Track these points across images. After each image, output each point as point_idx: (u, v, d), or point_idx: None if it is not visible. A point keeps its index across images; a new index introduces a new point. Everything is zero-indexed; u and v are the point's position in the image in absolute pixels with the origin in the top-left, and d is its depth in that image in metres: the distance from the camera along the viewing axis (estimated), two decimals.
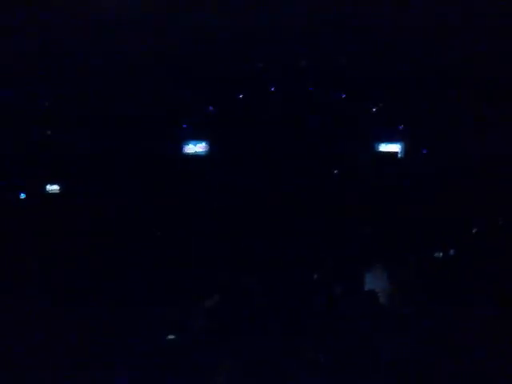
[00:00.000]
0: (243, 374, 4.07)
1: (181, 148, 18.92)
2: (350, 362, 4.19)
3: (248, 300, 5.52)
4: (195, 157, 18.80)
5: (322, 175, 17.83)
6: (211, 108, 18.12)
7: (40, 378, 3.99)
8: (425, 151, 16.97)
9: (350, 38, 12.76)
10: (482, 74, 13.78)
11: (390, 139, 18.04)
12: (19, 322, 5.03)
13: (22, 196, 14.82)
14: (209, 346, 4.49)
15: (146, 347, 4.55)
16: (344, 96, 17.46)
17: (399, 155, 17.83)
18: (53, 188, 16.96)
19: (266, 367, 4.15)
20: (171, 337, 4.71)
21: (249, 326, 4.78)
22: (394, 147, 18.01)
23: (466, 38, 12.00)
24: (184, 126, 18.66)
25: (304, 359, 4.20)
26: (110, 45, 12.40)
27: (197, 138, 19.00)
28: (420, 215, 13.84)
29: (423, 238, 8.83)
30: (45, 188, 16.73)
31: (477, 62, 13.25)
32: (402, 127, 17.86)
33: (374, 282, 6.03)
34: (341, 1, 11.37)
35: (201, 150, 19.03)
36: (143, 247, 8.79)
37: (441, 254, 6.67)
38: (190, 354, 4.34)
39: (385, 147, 17.95)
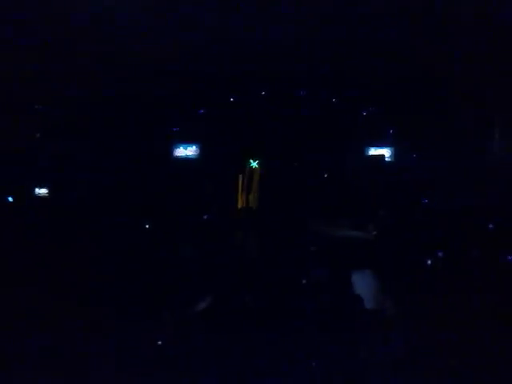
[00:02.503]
0: (236, 376, 4.03)
1: (171, 151, 18.90)
2: (341, 365, 4.16)
3: (239, 302, 5.48)
4: (185, 160, 18.77)
5: (312, 179, 17.87)
6: (202, 111, 18.08)
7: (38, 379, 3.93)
8: (415, 155, 17.03)
9: (341, 41, 12.78)
10: (474, 78, 13.84)
11: (381, 143, 18.11)
12: (8, 326, 4.96)
13: (10, 200, 14.68)
14: (201, 350, 4.45)
15: (140, 350, 4.49)
16: (334, 100, 17.49)
17: (387, 158, 17.93)
18: (41, 191, 16.85)
19: (257, 370, 4.11)
20: (159, 343, 4.66)
21: (239, 329, 4.74)
22: (384, 151, 18.08)
23: (458, 42, 12.06)
24: (174, 129, 18.60)
25: (296, 364, 4.17)
26: (99, 46, 12.34)
27: (187, 141, 18.97)
28: (410, 218, 13.90)
29: (414, 241, 8.85)
30: (34, 191, 16.62)
31: (469, 66, 13.31)
32: (392, 131, 17.91)
33: (364, 285, 6.02)
34: (331, 5, 11.41)
35: (191, 153, 19.02)
36: (134, 250, 8.73)
37: (430, 260, 6.67)
38: (183, 358, 4.29)
39: (375, 151, 18.02)
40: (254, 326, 4.85)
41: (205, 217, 13.91)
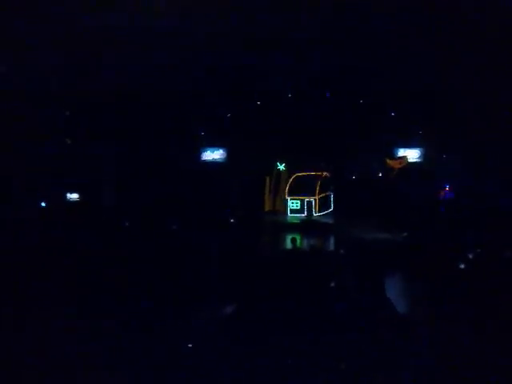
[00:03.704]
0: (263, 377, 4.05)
1: (199, 155, 19.13)
2: (369, 367, 4.13)
3: (265, 305, 5.49)
4: (213, 163, 18.96)
5: (339, 182, 17.79)
6: (229, 115, 18.21)
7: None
8: (444, 156, 16.80)
9: (370, 43, 12.68)
10: (497, 80, 13.62)
11: (409, 144, 17.96)
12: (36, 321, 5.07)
13: (43, 205, 15.05)
14: (222, 350, 4.48)
15: (160, 352, 4.54)
16: (362, 101, 17.36)
17: (416, 159, 17.83)
18: (73, 196, 17.23)
19: (285, 371, 4.12)
20: (190, 345, 4.70)
21: (267, 330, 4.75)
22: (413, 152, 17.96)
23: (481, 47, 11.89)
24: (202, 133, 18.79)
25: (321, 365, 4.16)
26: (130, 56, 12.50)
27: (214, 145, 19.17)
28: (441, 219, 13.71)
29: (440, 247, 8.71)
30: (65, 196, 17.00)
31: (493, 70, 13.10)
32: (421, 132, 17.71)
33: (391, 289, 5.95)
34: (357, 7, 11.34)
35: (218, 157, 19.21)
36: (163, 251, 8.83)
37: (462, 264, 6.55)
38: (204, 357, 4.33)
39: (403, 152, 17.90)
40: (282, 328, 4.86)
41: (231, 220, 13.97)
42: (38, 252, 8.56)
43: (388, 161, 17.38)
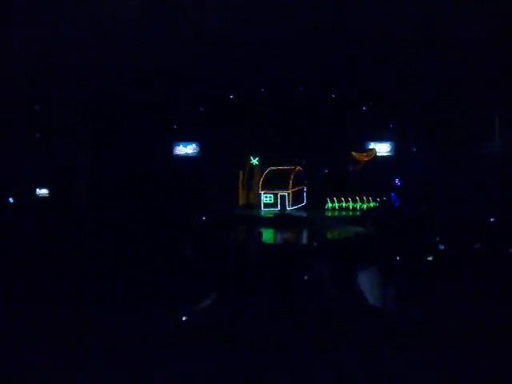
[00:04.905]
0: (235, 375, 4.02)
1: (171, 149, 18.96)
2: (343, 363, 4.13)
3: (242, 298, 5.46)
4: (186, 158, 18.84)
5: (312, 176, 17.92)
6: (201, 109, 18.06)
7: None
8: (414, 149, 17.04)
9: (341, 39, 12.75)
10: (471, 75, 13.87)
11: (380, 138, 18.16)
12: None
13: (10, 200, 14.73)
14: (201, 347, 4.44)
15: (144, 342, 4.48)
16: (333, 96, 17.46)
17: (387, 153, 18.11)
18: (42, 192, 16.93)
19: (258, 369, 4.10)
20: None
21: (240, 327, 4.72)
22: (384, 146, 18.18)
23: (455, 40, 12.08)
24: (174, 127, 18.62)
25: (298, 362, 4.14)
26: (102, 48, 12.28)
27: (187, 139, 19.02)
28: (410, 215, 13.96)
29: (415, 237, 8.85)
30: (34, 192, 16.69)
31: (465, 64, 13.33)
32: (392, 126, 17.91)
33: (366, 281, 6.00)
34: (330, 3, 11.40)
35: (191, 151, 19.08)
36: (134, 244, 8.73)
37: (431, 257, 6.65)
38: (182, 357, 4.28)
39: (374, 146, 18.09)
40: (254, 323, 4.85)
41: (203, 218, 13.87)
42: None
43: (353, 154, 17.55)
